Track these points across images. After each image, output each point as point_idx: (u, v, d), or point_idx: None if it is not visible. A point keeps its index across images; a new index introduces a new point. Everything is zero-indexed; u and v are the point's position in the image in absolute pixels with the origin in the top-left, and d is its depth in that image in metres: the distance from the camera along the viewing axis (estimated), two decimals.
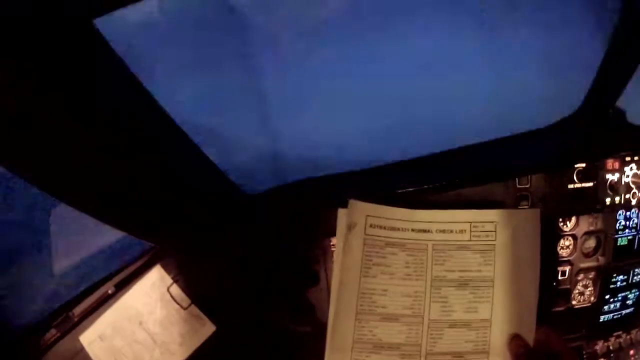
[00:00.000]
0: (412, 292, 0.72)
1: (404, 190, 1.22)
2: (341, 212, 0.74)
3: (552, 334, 0.69)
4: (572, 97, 1.60)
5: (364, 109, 1.70)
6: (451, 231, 0.75)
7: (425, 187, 1.20)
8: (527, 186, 1.26)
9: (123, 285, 1.26)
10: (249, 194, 1.26)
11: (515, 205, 1.25)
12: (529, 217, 0.75)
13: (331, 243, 1.38)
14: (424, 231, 0.75)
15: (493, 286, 0.72)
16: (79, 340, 1.23)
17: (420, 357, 0.71)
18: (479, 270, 0.72)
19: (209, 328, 1.24)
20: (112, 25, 0.65)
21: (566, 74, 1.67)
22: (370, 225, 0.75)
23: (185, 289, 1.24)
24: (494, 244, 0.73)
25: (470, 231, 0.75)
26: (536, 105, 1.70)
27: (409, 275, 0.72)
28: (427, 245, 0.74)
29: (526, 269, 0.74)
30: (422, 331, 0.70)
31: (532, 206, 1.26)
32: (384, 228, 0.74)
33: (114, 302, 1.26)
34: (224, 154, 1.66)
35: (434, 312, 0.70)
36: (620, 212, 1.54)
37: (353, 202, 0.76)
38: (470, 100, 1.74)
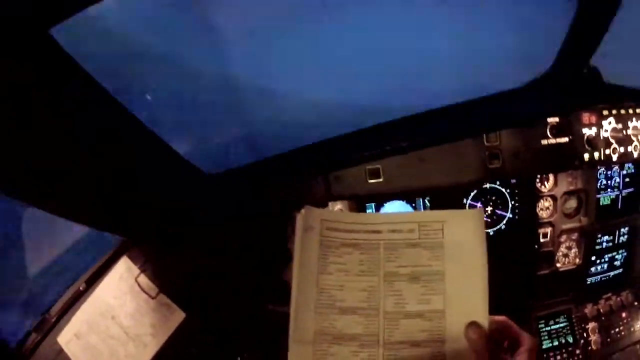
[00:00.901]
0: (367, 287, 0.76)
1: (379, 151, 1.19)
2: (299, 216, 0.79)
3: (508, 322, 0.72)
4: (544, 56, 1.56)
5: (336, 82, 1.68)
6: (401, 231, 0.79)
7: (394, 148, 1.17)
8: (497, 144, 1.22)
9: (93, 281, 1.23)
10: (213, 174, 1.23)
11: (485, 163, 1.21)
12: (473, 215, 0.78)
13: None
14: (376, 232, 0.79)
15: (444, 279, 0.75)
16: (57, 342, 1.21)
17: (378, 346, 0.74)
18: (429, 265, 0.76)
19: (179, 315, 1.21)
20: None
21: (538, 33, 1.63)
22: (326, 228, 0.79)
23: (153, 278, 1.20)
24: (442, 241, 0.77)
25: (419, 230, 0.78)
26: (509, 66, 1.66)
27: (363, 271, 0.77)
28: (379, 244, 0.78)
29: (474, 262, 0.75)
30: (379, 322, 0.74)
31: (503, 164, 1.22)
32: (339, 230, 0.79)
33: (86, 298, 1.23)
34: (199, 137, 1.65)
35: (388, 305, 0.75)
36: (601, 170, 1.50)
37: (308, 208, 0.80)
38: (444, 65, 1.70)
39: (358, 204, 1.31)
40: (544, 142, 1.25)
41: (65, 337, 1.22)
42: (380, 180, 1.17)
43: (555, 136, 1.26)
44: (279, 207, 1.26)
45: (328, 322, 0.73)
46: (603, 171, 1.51)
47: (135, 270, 1.24)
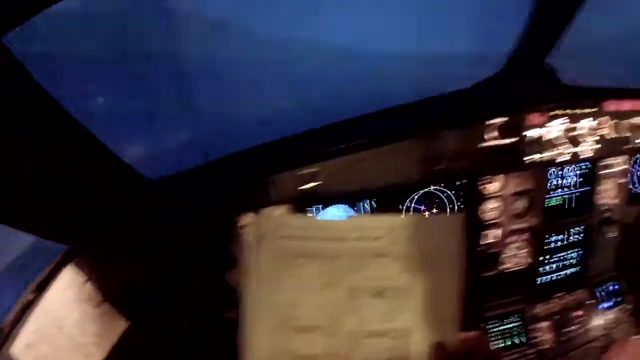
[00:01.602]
0: (328, 303, 0.67)
1: (317, 154, 1.16)
2: (250, 224, 0.69)
3: (482, 338, 0.65)
4: (499, 56, 1.53)
5: (289, 83, 1.64)
6: (368, 238, 0.68)
7: (332, 150, 1.14)
8: (441, 145, 1.18)
9: (41, 290, 1.21)
10: (154, 179, 1.20)
11: (429, 165, 1.18)
12: (450, 222, 0.67)
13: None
14: (339, 239, 0.68)
15: (411, 295, 0.66)
16: (10, 353, 1.20)
17: None
18: (397, 279, 0.66)
19: (123, 324, 1.19)
20: None
21: (494, 32, 1.59)
22: (281, 237, 0.69)
23: (98, 286, 1.18)
24: (413, 251, 0.66)
25: (388, 238, 0.67)
26: (463, 65, 1.62)
27: (323, 285, 0.68)
28: (342, 254, 0.68)
29: (447, 275, 0.66)
30: (340, 342, 0.66)
31: (447, 166, 1.19)
32: (295, 238, 0.69)
33: (35, 308, 1.22)
34: (149, 140, 1.62)
35: (350, 323, 0.66)
36: (551, 170, 1.47)
37: (260, 214, 0.71)
38: (399, 64, 1.66)
39: (299, 208, 1.28)
40: (490, 143, 1.22)
41: (18, 348, 1.20)
42: (319, 183, 1.14)
43: (500, 137, 1.22)
44: (220, 212, 1.23)
45: (284, 343, 0.65)
46: (554, 171, 1.48)
47: (80, 278, 1.21)
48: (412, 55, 1.60)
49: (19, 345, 1.20)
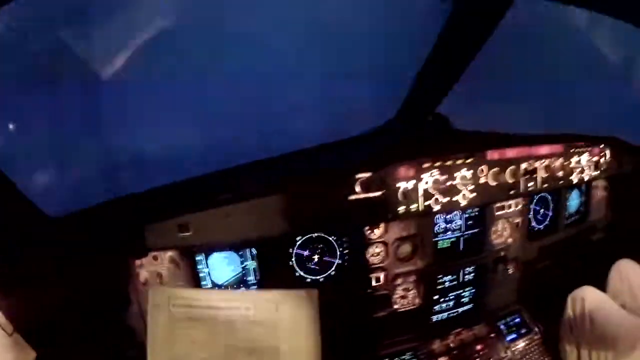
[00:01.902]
0: (211, 357, 0.86)
1: (186, 207, 1.21)
2: (149, 295, 0.90)
3: None
4: (390, 105, 1.61)
5: (194, 123, 1.70)
6: (239, 308, 0.89)
7: (205, 202, 1.20)
8: (304, 199, 1.24)
9: None
10: (52, 216, 1.24)
11: (292, 219, 1.24)
12: (306, 297, 0.88)
13: (135, 264, 1.37)
14: (218, 308, 0.89)
15: (278, 354, 0.85)
16: None
17: None
18: (265, 340, 0.86)
19: (30, 354, 1.19)
20: None
21: (388, 79, 1.67)
22: (173, 305, 0.90)
23: (9, 315, 1.22)
24: (276, 319, 0.87)
25: (255, 308, 0.89)
26: (356, 112, 1.70)
27: (207, 343, 0.87)
28: (219, 319, 0.88)
29: (306, 340, 0.86)
30: None
31: (308, 219, 1.25)
32: (184, 306, 0.90)
33: None
34: (56, 171, 1.65)
35: None
36: (438, 215, 1.55)
37: (156, 289, 0.94)
38: (304, 110, 1.74)
39: (187, 254, 1.33)
40: (353, 197, 1.28)
41: None
42: (190, 233, 1.20)
43: (365, 191, 1.28)
44: (112, 254, 1.28)
45: None
46: (441, 215, 1.56)
47: None
48: (318, 100, 1.67)
49: None
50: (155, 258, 1.36)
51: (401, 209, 1.33)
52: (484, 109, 1.83)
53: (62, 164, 1.62)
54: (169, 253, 1.35)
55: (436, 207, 1.39)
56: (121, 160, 1.63)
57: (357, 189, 1.27)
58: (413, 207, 1.35)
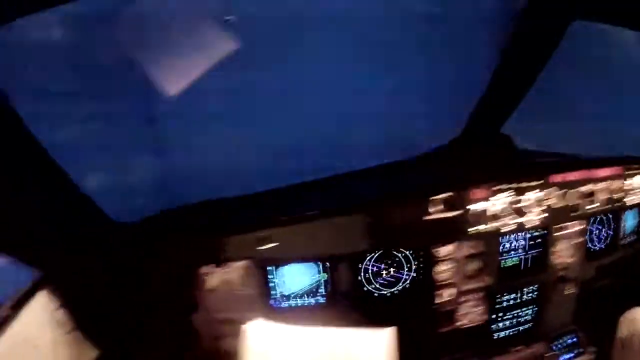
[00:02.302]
0: None
1: (270, 221, 1.28)
2: (247, 328, 1.04)
3: None
4: (454, 124, 1.65)
5: (254, 137, 1.77)
6: (335, 345, 1.00)
7: (283, 219, 1.26)
8: (384, 218, 1.30)
9: (16, 309, 1.32)
10: (120, 223, 1.32)
11: (375, 235, 1.29)
12: (384, 337, 1.00)
13: (204, 271, 1.44)
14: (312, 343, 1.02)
15: None
16: None
17: None
18: None
19: (92, 353, 1.26)
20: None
21: (452, 101, 1.72)
22: (269, 338, 1.04)
23: (70, 313, 1.27)
24: (363, 355, 0.99)
25: (345, 346, 0.99)
26: (421, 131, 1.75)
27: None
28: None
29: None
30: None
31: (389, 236, 1.29)
32: (280, 341, 1.04)
33: (8, 326, 1.32)
34: (116, 180, 1.73)
35: None
36: (505, 235, 1.58)
37: (255, 321, 1.08)
38: (360, 126, 1.79)
39: (260, 263, 1.40)
40: (429, 217, 1.33)
41: None
42: (272, 246, 1.26)
43: (441, 211, 1.34)
44: (180, 262, 1.35)
45: None
46: (507, 236, 1.58)
47: (53, 304, 1.27)
48: (371, 119, 1.73)
49: None
50: (226, 265, 1.44)
51: (472, 229, 1.38)
52: (544, 130, 1.85)
53: (130, 174, 1.71)
54: (239, 263, 1.42)
55: (504, 229, 1.43)
56: (185, 171, 1.70)
57: (433, 209, 1.32)
58: (483, 227, 1.39)
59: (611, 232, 1.87)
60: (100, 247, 1.24)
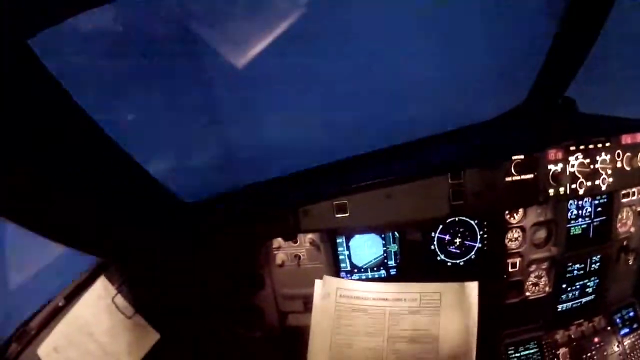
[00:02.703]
0: (373, 346, 0.89)
1: (347, 188, 1.20)
2: (317, 283, 0.94)
3: None
4: (519, 89, 1.57)
5: (316, 111, 1.69)
6: (405, 299, 0.93)
7: (361, 185, 1.18)
8: (461, 182, 1.22)
9: (72, 297, 1.26)
10: (188, 202, 1.25)
11: (449, 201, 1.21)
12: (467, 288, 0.93)
13: (273, 246, 1.37)
14: (382, 299, 0.94)
15: (438, 342, 0.88)
16: (37, 354, 1.24)
17: None
18: (427, 329, 0.89)
19: (154, 336, 1.23)
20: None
21: (513, 66, 1.63)
22: (340, 296, 0.94)
23: (129, 298, 1.23)
24: (439, 309, 0.91)
25: (420, 299, 0.93)
26: (484, 98, 1.66)
27: (370, 333, 0.90)
28: (385, 310, 0.93)
29: (466, 328, 0.89)
30: None
31: (466, 202, 1.22)
32: (351, 297, 0.94)
33: (65, 314, 1.26)
34: (179, 162, 1.67)
35: None
36: (571, 201, 1.50)
37: (327, 278, 0.96)
38: (420, 96, 1.71)
39: (329, 236, 1.32)
40: (508, 179, 1.25)
41: (45, 350, 1.25)
42: (347, 215, 1.19)
43: (519, 173, 1.26)
44: (251, 238, 1.28)
45: None
46: (574, 201, 1.50)
47: (112, 290, 1.27)
48: (436, 87, 1.64)
49: (46, 347, 1.25)
50: (294, 241, 1.36)
51: (551, 191, 1.30)
52: (606, 93, 1.76)
53: (193, 151, 1.63)
54: (310, 235, 1.34)
55: (581, 191, 1.35)
56: (249, 150, 1.63)
57: (512, 171, 1.24)
58: (562, 190, 1.31)
59: None
60: (167, 227, 1.17)
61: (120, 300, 1.24)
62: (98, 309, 1.26)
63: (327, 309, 0.92)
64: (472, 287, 0.92)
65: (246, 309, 1.35)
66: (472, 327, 0.88)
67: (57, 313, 1.26)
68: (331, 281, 0.94)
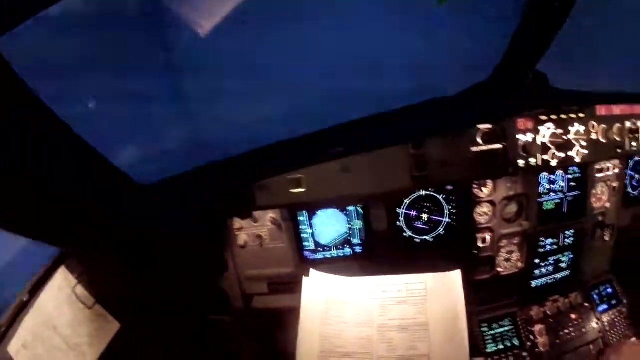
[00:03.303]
0: (364, 336, 0.90)
1: (299, 161, 1.15)
2: (305, 279, 0.95)
3: None
4: (489, 62, 1.51)
5: (282, 90, 1.64)
6: (391, 291, 0.95)
7: (315, 157, 1.14)
8: (423, 152, 1.17)
9: (35, 291, 1.22)
10: (144, 184, 1.20)
11: (411, 172, 1.17)
12: (452, 277, 0.95)
13: (234, 227, 1.32)
14: (369, 292, 0.95)
15: (428, 328, 0.89)
16: (7, 352, 1.21)
17: None
18: (415, 318, 0.90)
19: (114, 326, 1.20)
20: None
21: (483, 39, 1.58)
22: (328, 290, 0.95)
23: (90, 288, 1.18)
24: (426, 297, 0.92)
25: (406, 290, 0.94)
26: (453, 71, 1.61)
27: (359, 323, 0.91)
28: (372, 302, 0.94)
29: (453, 315, 0.89)
30: None
31: (429, 171, 1.18)
32: (338, 291, 0.95)
33: (30, 308, 1.23)
34: (145, 144, 1.62)
35: (381, 350, 0.88)
36: (543, 175, 1.46)
37: (314, 273, 0.97)
38: (389, 69, 1.66)
39: (290, 214, 1.28)
40: (475, 149, 1.20)
41: (15, 347, 1.21)
42: (303, 190, 1.14)
43: (487, 143, 1.21)
44: (208, 217, 1.24)
45: None
46: (546, 175, 1.46)
47: (73, 280, 1.23)
48: (402, 64, 1.59)
49: (15, 345, 1.21)
50: (255, 220, 1.32)
51: (522, 162, 1.25)
52: (577, 69, 1.72)
53: (150, 134, 1.59)
54: (270, 214, 1.30)
55: (554, 162, 1.30)
56: (211, 130, 1.58)
57: (479, 140, 1.19)
58: (532, 161, 1.27)
59: None
60: (122, 211, 1.12)
61: (80, 290, 1.21)
62: (59, 301, 1.22)
63: (316, 302, 0.92)
64: (456, 275, 0.95)
65: (210, 293, 1.32)
66: (461, 312, 0.89)
67: (23, 308, 1.23)
68: (318, 276, 0.97)
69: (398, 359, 0.86)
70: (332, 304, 0.91)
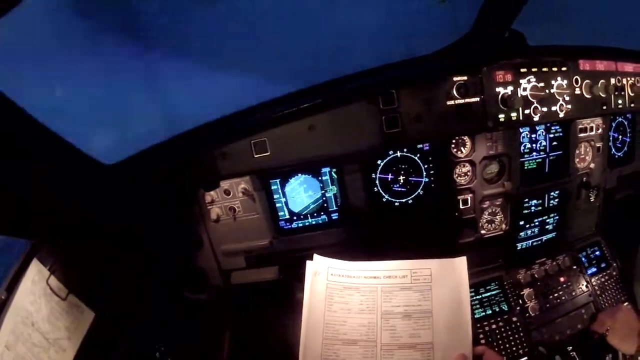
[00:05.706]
0: (367, 323, 0.86)
1: (262, 120, 1.06)
2: (308, 264, 0.90)
3: (488, 351, 0.83)
4: (464, 20, 1.42)
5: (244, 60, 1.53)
6: (395, 277, 0.90)
7: (284, 113, 1.04)
8: (394, 107, 1.08)
9: (12, 288, 1.15)
10: (107, 164, 1.11)
11: (382, 129, 1.07)
12: (457, 263, 0.90)
13: (205, 201, 1.23)
14: (374, 277, 0.90)
15: (432, 316, 0.86)
16: None
17: None
18: (420, 305, 0.87)
19: (89, 315, 1.13)
20: None
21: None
22: (332, 274, 0.90)
23: (62, 278, 1.11)
24: (430, 284, 0.89)
25: (411, 276, 0.90)
26: (430, 29, 1.51)
27: (363, 310, 0.87)
28: (376, 287, 0.89)
29: (458, 303, 0.86)
30: (376, 353, 0.83)
31: (402, 128, 1.08)
32: (342, 276, 0.90)
33: (8, 307, 1.16)
34: (118, 124, 1.52)
35: (384, 338, 0.84)
36: (524, 134, 1.36)
37: (317, 257, 0.92)
38: (363, 29, 1.55)
39: (262, 183, 1.19)
40: (450, 102, 1.10)
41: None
42: (268, 153, 1.05)
43: (463, 96, 1.10)
44: (176, 191, 1.15)
45: (332, 351, 0.83)
46: (527, 134, 1.37)
47: (46, 272, 1.15)
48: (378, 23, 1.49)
49: None
50: (227, 192, 1.23)
51: (502, 116, 1.15)
52: (551, 28, 1.61)
53: (114, 115, 1.49)
54: (242, 185, 1.21)
55: (536, 117, 1.19)
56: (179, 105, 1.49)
57: (454, 93, 1.09)
58: (514, 115, 1.16)
59: (628, 139, 1.66)
60: (88, 193, 1.04)
61: (54, 281, 1.13)
62: (35, 295, 1.14)
63: (319, 288, 0.88)
64: (462, 261, 0.89)
65: (186, 271, 1.23)
66: (465, 300, 0.84)
67: (2, 307, 1.15)
68: (322, 260, 0.90)
69: (401, 347, 0.83)
70: (335, 290, 0.88)
